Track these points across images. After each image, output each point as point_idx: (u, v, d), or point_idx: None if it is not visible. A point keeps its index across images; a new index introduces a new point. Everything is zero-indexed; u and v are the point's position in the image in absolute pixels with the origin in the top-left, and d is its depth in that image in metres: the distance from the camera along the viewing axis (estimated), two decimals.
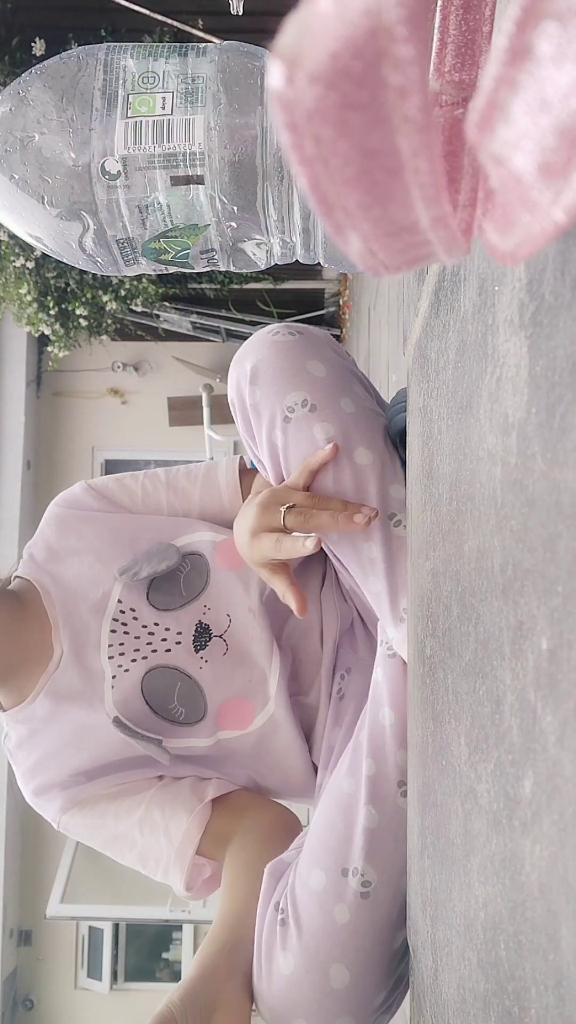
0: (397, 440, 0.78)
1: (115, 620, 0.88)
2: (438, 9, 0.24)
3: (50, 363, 5.14)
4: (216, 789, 0.87)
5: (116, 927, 5.87)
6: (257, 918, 0.74)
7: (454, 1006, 0.39)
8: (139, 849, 0.84)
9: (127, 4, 3.03)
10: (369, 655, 0.91)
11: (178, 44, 0.54)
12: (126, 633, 0.88)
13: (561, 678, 0.21)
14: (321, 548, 0.70)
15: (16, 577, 0.92)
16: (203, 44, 0.54)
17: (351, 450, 0.74)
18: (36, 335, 4.72)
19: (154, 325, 5.26)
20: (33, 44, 3.66)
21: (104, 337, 5.01)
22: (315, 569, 0.96)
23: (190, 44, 0.54)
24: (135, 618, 0.88)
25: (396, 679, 0.75)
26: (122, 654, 0.87)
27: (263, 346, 0.77)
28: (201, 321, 5.27)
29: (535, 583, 0.23)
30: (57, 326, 4.54)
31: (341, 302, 5.49)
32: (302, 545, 0.69)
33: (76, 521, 0.92)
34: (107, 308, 4.60)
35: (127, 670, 0.87)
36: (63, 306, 4.49)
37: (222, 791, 0.87)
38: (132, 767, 0.87)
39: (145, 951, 6.16)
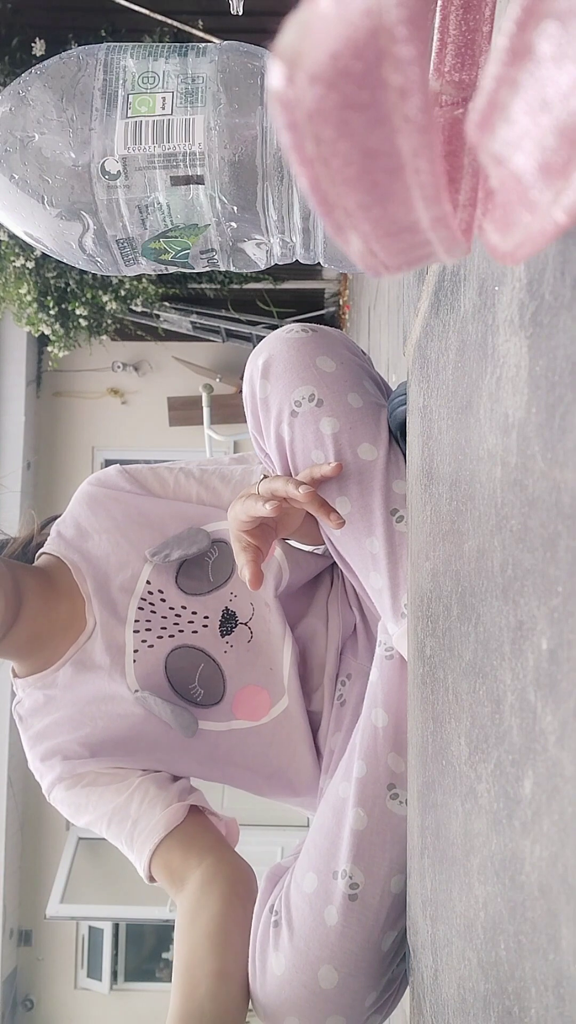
0: (397, 433, 0.79)
1: (143, 599, 0.89)
2: (438, 9, 0.24)
3: (50, 363, 5.13)
4: (200, 801, 0.87)
5: (116, 927, 5.87)
6: (253, 919, 0.75)
7: (454, 1006, 0.39)
8: (114, 831, 0.85)
9: (127, 4, 3.03)
10: (369, 661, 0.91)
11: (178, 44, 0.54)
12: (153, 612, 0.89)
13: (561, 678, 0.21)
14: (329, 554, 0.70)
15: (43, 554, 0.93)
16: (203, 44, 0.54)
17: (356, 445, 0.74)
18: (36, 335, 4.72)
19: (154, 325, 5.26)
20: (33, 44, 3.66)
21: (104, 337, 5.00)
22: (323, 577, 0.96)
23: (190, 44, 0.54)
24: (163, 599, 0.90)
25: (391, 680, 0.75)
26: (148, 630, 0.89)
27: (277, 342, 0.78)
28: (201, 321, 5.27)
29: (535, 583, 0.23)
30: (57, 326, 4.54)
31: (341, 302, 5.49)
32: (262, 506, 0.69)
33: (107, 500, 0.94)
34: (107, 308, 4.60)
35: (151, 646, 0.88)
36: (63, 306, 4.49)
37: (204, 806, 0.87)
38: (135, 751, 0.88)
39: (145, 951, 6.16)
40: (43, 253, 0.59)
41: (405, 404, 0.75)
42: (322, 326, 0.81)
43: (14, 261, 4.10)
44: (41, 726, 0.89)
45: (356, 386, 0.77)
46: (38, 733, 0.89)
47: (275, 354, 0.77)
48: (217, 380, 5.30)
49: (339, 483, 0.74)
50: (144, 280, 4.58)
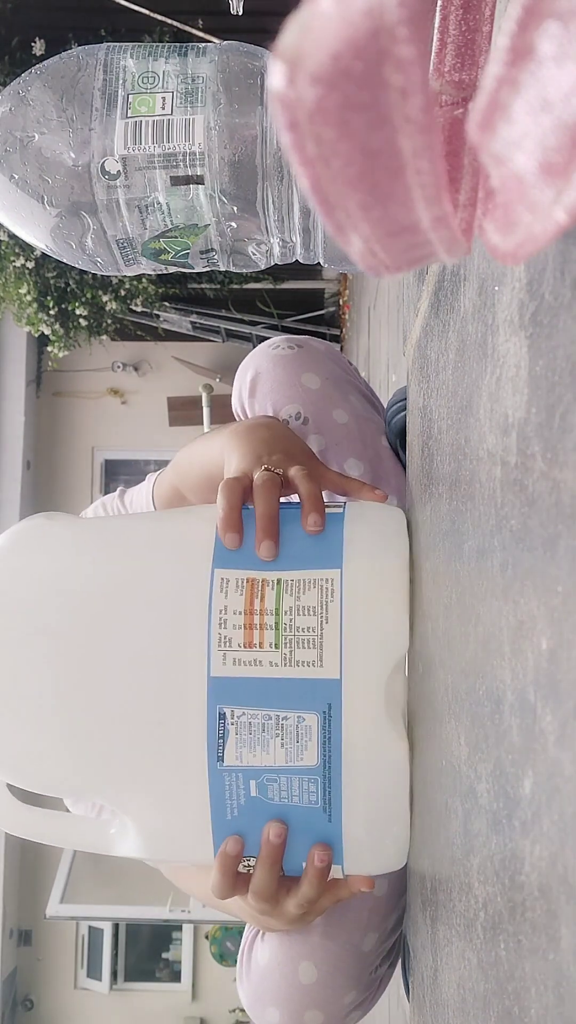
0: (396, 442, 0.79)
1: None
2: (438, 9, 0.24)
3: (50, 363, 5.14)
4: None
5: (116, 927, 5.87)
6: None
7: (454, 1006, 0.39)
8: None
9: (127, 4, 3.03)
10: None
11: (178, 44, 0.54)
12: None
13: (561, 678, 0.21)
14: None
15: None
16: (203, 44, 0.54)
17: (342, 461, 0.75)
18: (36, 335, 4.72)
19: (154, 325, 5.26)
20: (33, 44, 3.66)
21: (104, 337, 5.00)
22: None
23: (190, 44, 0.54)
24: None
25: None
26: None
27: (263, 358, 0.78)
28: (201, 321, 5.27)
29: (535, 583, 0.23)
30: (57, 326, 4.54)
31: (341, 302, 5.49)
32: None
33: None
34: (107, 308, 4.60)
35: None
36: (63, 306, 4.49)
37: None
38: None
39: (145, 951, 6.16)
40: (43, 253, 0.59)
41: (404, 411, 0.75)
42: (309, 339, 0.81)
43: (14, 261, 4.10)
44: None
45: (342, 401, 0.78)
46: None
47: (261, 371, 0.77)
48: (217, 380, 5.30)
49: (327, 496, 0.73)
50: (144, 280, 4.58)
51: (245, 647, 0.56)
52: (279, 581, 0.57)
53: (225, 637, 0.56)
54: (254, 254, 0.57)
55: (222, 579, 0.57)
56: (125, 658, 0.59)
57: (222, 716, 0.56)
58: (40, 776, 0.62)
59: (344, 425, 0.76)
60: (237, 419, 0.82)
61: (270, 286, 5.29)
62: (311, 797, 0.56)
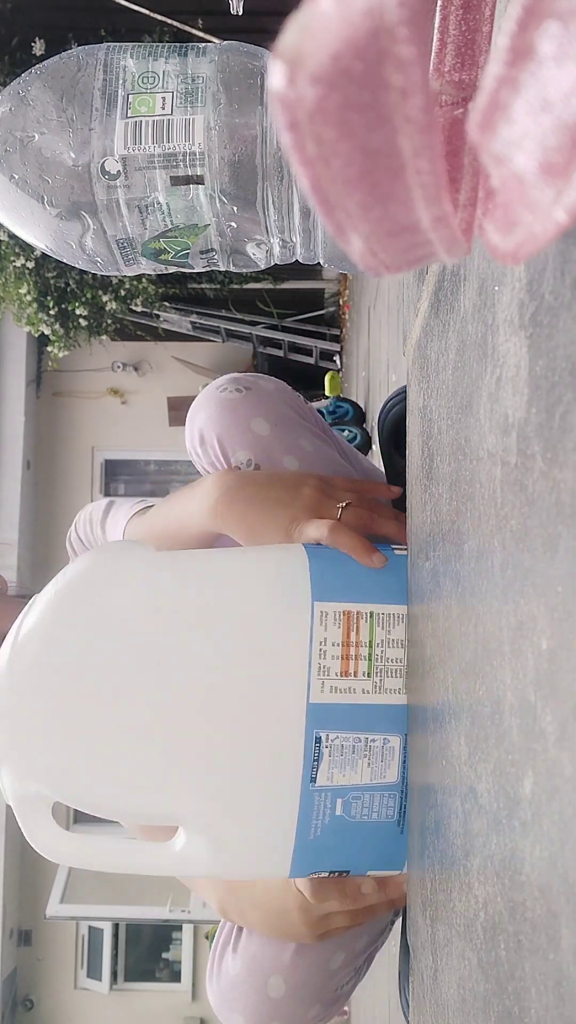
0: (383, 435, 0.79)
1: None
2: (438, 9, 0.24)
3: (50, 363, 5.14)
4: None
5: (116, 927, 5.87)
6: (219, 925, 0.78)
7: (454, 1006, 0.39)
8: None
9: (127, 4, 3.03)
10: None
11: (178, 44, 0.54)
12: None
13: (561, 678, 0.21)
14: None
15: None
16: (203, 44, 0.54)
17: None
18: (36, 335, 4.72)
19: (154, 325, 5.26)
20: (33, 44, 3.66)
21: (104, 337, 5.00)
22: None
23: (190, 44, 0.54)
24: None
25: None
26: None
27: (210, 404, 0.77)
28: (201, 321, 5.28)
29: (535, 583, 0.23)
30: (57, 326, 4.54)
31: (341, 302, 5.49)
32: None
33: None
34: (107, 308, 4.60)
35: None
36: (63, 306, 4.49)
37: None
38: None
39: (145, 951, 6.16)
40: (43, 253, 0.59)
41: (399, 405, 0.75)
42: (258, 379, 0.80)
43: (14, 261, 4.11)
44: None
45: (292, 447, 0.76)
46: None
47: (209, 416, 0.77)
48: None
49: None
50: (144, 280, 4.58)
51: (341, 675, 0.61)
52: (371, 614, 0.62)
53: (324, 667, 0.60)
54: (254, 254, 0.57)
55: (322, 612, 0.62)
56: (225, 684, 0.61)
57: (318, 739, 0.60)
58: (116, 801, 0.63)
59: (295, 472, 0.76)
60: (193, 462, 0.81)
61: (270, 286, 5.29)
62: (389, 812, 0.62)
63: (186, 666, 0.61)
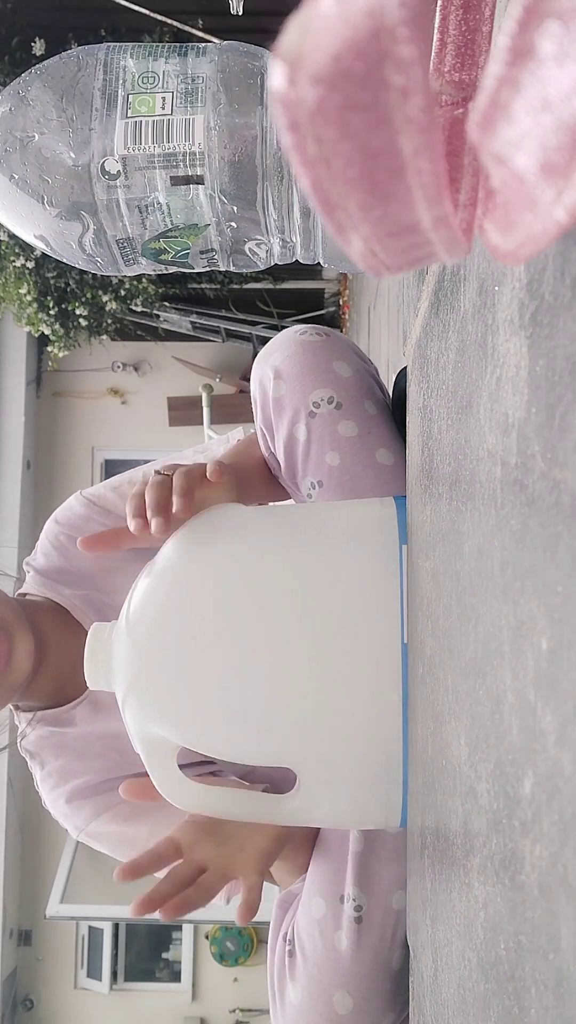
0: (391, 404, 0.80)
1: None
2: (438, 9, 0.24)
3: (50, 363, 5.13)
4: None
5: (116, 927, 5.86)
6: (268, 951, 0.76)
7: (454, 1006, 0.39)
8: None
9: (127, 4, 3.03)
10: None
11: (178, 44, 0.54)
12: None
13: (561, 678, 0.21)
14: None
15: (26, 594, 0.90)
16: (203, 44, 0.54)
17: (374, 449, 0.75)
18: (36, 335, 4.72)
19: (154, 325, 5.26)
20: (33, 44, 3.66)
21: (104, 337, 5.00)
22: None
23: (190, 44, 0.54)
24: None
25: None
26: None
27: (291, 344, 0.78)
28: (201, 321, 5.27)
29: (535, 583, 0.23)
30: (57, 326, 4.54)
31: (341, 302, 5.49)
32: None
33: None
34: (107, 308, 4.60)
35: None
36: (63, 306, 4.49)
37: None
38: None
39: (145, 951, 6.16)
40: (43, 253, 0.59)
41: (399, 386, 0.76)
42: (333, 331, 0.82)
43: (14, 261, 4.10)
44: (59, 764, 0.86)
45: (370, 394, 0.78)
46: (59, 770, 0.86)
47: (290, 355, 0.77)
48: (217, 380, 5.30)
49: (354, 485, 0.74)
50: (144, 280, 4.58)
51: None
52: None
53: None
54: (254, 254, 0.57)
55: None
56: (325, 629, 0.63)
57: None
58: (230, 744, 0.66)
59: (375, 416, 0.77)
60: (254, 404, 0.81)
61: (270, 286, 5.29)
62: None
63: (291, 613, 0.64)
